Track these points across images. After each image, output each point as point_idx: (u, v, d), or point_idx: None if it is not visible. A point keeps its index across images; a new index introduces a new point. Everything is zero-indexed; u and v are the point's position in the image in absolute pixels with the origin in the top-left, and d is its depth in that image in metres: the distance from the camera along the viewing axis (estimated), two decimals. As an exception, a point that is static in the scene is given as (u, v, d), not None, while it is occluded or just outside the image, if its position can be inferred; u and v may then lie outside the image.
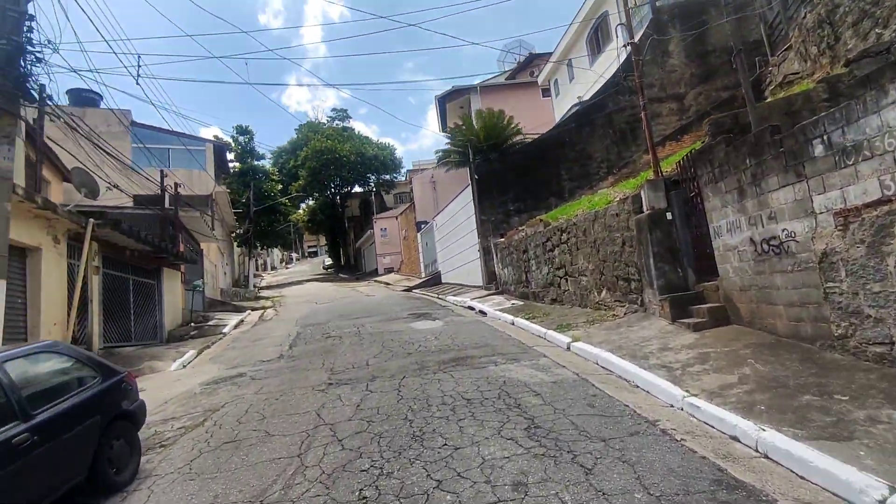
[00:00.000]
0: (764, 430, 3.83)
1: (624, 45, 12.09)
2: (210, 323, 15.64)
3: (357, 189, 46.59)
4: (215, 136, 39.98)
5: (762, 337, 6.16)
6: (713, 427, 4.28)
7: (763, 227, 6.11)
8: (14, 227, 6.98)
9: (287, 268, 71.11)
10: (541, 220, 13.16)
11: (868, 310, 4.73)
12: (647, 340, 7.10)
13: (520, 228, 15.16)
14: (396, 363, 7.78)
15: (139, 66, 10.52)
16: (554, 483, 3.43)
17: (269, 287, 36.94)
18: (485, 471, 3.72)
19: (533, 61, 30.63)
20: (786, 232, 5.73)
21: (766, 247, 6.11)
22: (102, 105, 20.55)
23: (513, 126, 19.65)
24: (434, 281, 24.14)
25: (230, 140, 37.75)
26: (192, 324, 15.21)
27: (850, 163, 4.77)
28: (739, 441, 3.94)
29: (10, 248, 6.93)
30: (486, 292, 16.45)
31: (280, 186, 39.96)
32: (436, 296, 18.86)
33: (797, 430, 3.75)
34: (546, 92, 27.33)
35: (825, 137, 5.05)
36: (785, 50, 11.94)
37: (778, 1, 13.05)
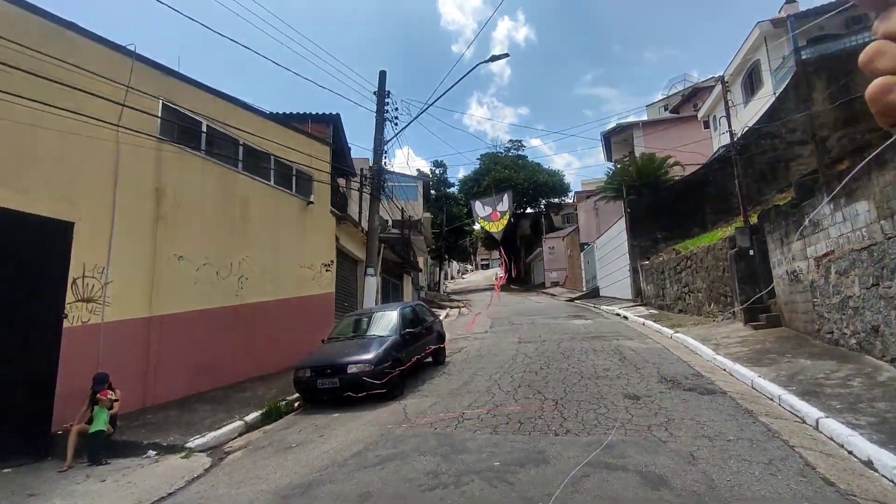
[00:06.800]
0: (734, 364, 8.19)
1: (728, 131, 15.60)
2: (428, 313, 22.59)
3: (529, 210, 52.35)
4: (418, 170, 49.56)
5: (789, 332, 9.91)
6: (717, 365, 8.66)
7: (790, 264, 9.89)
8: (355, 249, 14.06)
9: (463, 277, 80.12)
10: (674, 250, 17.05)
11: (826, 314, 8.53)
12: (721, 333, 11.13)
13: (658, 255, 19.02)
14: (557, 336, 13.00)
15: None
16: (622, 371, 8.36)
17: (454, 293, 44.69)
18: (593, 367, 8.81)
19: (696, 94, 32.87)
20: (798, 267, 9.52)
21: (791, 276, 9.87)
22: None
23: (666, 165, 23.21)
24: (593, 294, 28.40)
25: (429, 172, 46.79)
26: (418, 313, 22.32)
27: (818, 230, 8.64)
28: (726, 369, 8.34)
29: (350, 260, 14.03)
30: (632, 304, 20.50)
31: (466, 210, 47.74)
32: (592, 305, 23.33)
33: (754, 366, 8.04)
34: (707, 125, 29.62)
35: (810, 215, 8.92)
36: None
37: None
